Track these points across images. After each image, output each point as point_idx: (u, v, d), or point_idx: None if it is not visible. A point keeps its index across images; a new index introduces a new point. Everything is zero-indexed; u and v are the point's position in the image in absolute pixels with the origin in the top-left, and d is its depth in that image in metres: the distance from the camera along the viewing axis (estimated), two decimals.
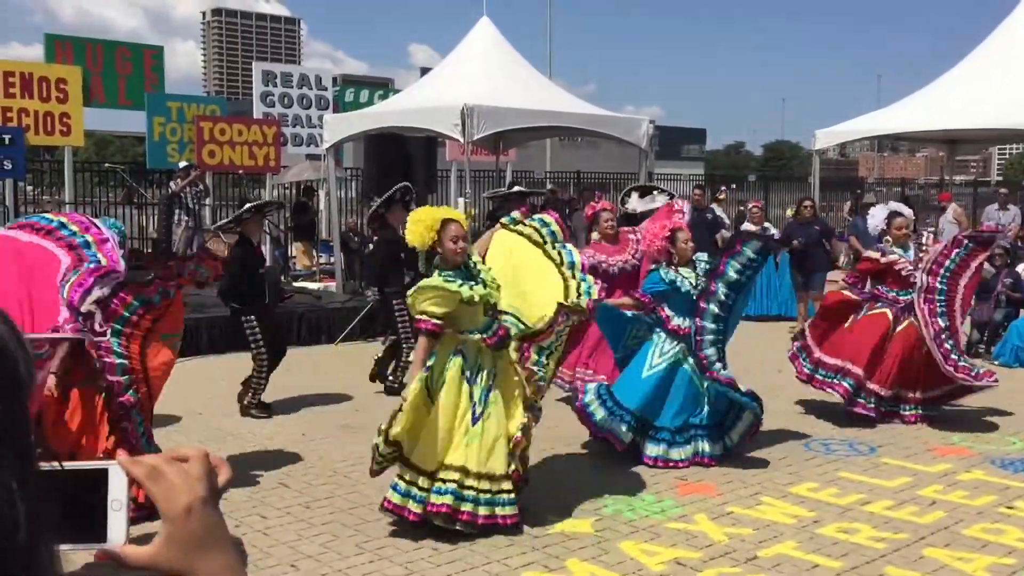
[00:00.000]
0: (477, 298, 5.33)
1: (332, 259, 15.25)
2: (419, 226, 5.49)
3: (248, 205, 8.40)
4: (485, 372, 5.41)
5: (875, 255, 8.33)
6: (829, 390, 7.96)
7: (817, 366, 8.02)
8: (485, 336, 5.38)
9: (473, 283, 5.38)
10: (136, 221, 17.25)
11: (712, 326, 6.71)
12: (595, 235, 8.51)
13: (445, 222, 5.48)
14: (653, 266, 7.18)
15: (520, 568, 4.89)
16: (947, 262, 7.96)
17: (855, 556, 5.08)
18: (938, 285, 7.89)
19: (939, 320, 7.80)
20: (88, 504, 0.91)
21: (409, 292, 5.52)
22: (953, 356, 7.77)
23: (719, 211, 16.05)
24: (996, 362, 10.59)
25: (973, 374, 7.79)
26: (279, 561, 4.98)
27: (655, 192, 10.72)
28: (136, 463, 0.94)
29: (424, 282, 5.40)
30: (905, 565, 4.97)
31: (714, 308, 6.69)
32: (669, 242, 6.93)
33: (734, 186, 19.72)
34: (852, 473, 6.59)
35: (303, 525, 5.50)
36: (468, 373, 5.37)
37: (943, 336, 7.77)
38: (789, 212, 14.89)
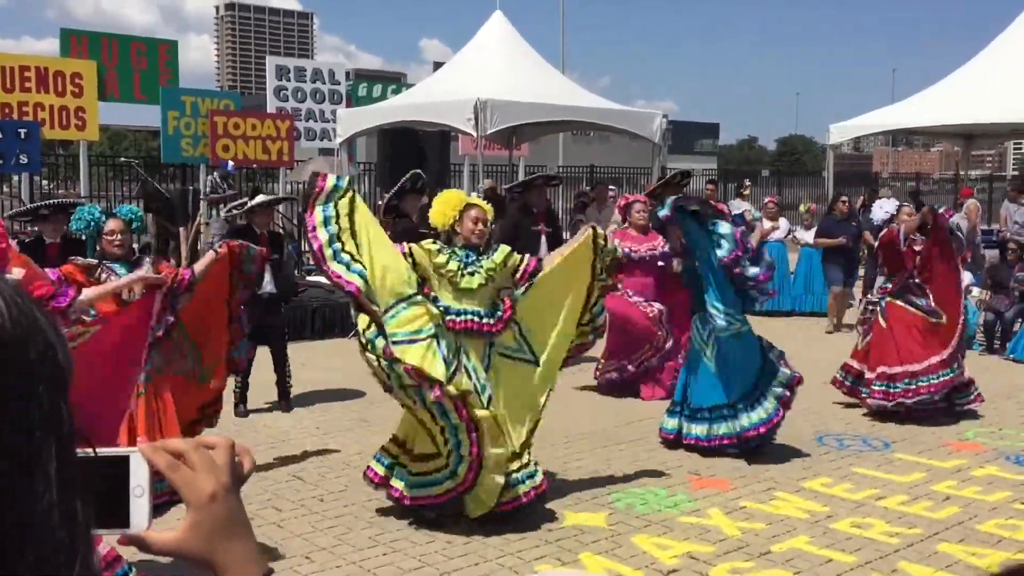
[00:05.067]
0: (451, 270, 5.36)
1: None
2: (444, 205, 5.60)
3: (261, 199, 8.40)
4: (474, 360, 5.33)
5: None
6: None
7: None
8: (452, 317, 5.30)
9: (464, 263, 5.42)
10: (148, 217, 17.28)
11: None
12: (624, 224, 8.69)
13: (469, 205, 5.59)
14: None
15: (533, 561, 4.90)
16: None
17: (869, 551, 5.08)
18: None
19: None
20: (111, 489, 0.92)
21: None
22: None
23: (746, 205, 16.02)
24: (1011, 357, 10.56)
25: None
26: (293, 553, 5.01)
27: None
28: (157, 452, 0.95)
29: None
30: (919, 560, 4.96)
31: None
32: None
33: (748, 181, 19.61)
34: (866, 468, 6.58)
35: (317, 518, 5.52)
36: (446, 353, 5.26)
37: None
38: (802, 208, 14.83)
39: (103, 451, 0.93)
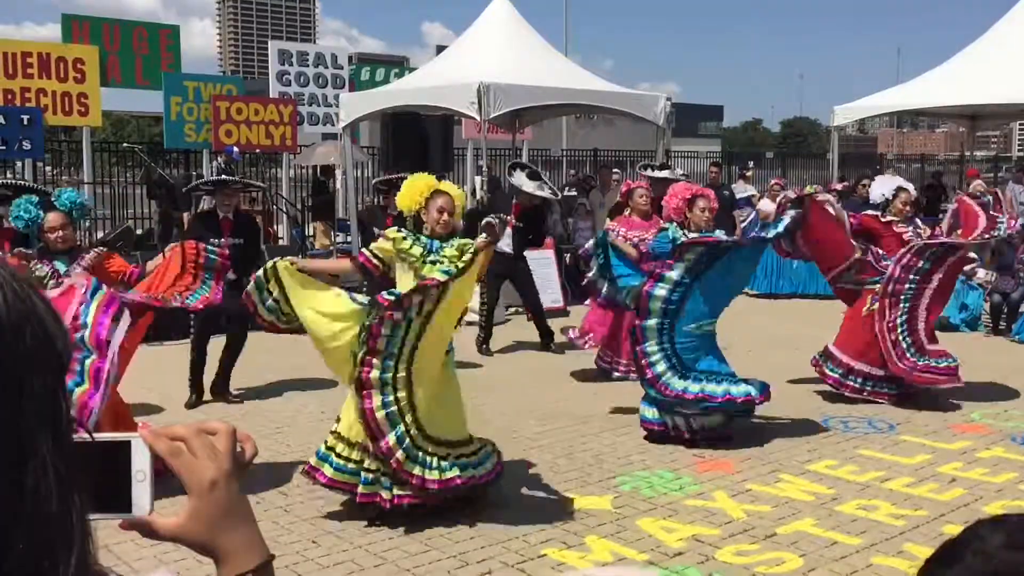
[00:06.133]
0: (414, 256, 5.27)
1: (349, 238, 15.26)
2: (411, 190, 5.50)
3: (210, 179, 8.00)
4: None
5: (877, 213, 8.29)
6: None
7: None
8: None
9: (427, 250, 5.30)
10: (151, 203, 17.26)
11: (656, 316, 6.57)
12: (627, 211, 8.66)
13: (437, 192, 5.46)
14: (664, 224, 7.06)
15: (539, 544, 4.91)
16: (921, 262, 7.74)
17: (874, 533, 5.08)
18: (909, 277, 7.72)
19: (896, 316, 7.67)
20: (113, 474, 0.92)
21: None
22: (909, 355, 7.60)
23: (747, 187, 16.01)
24: (1016, 338, 10.55)
25: (930, 374, 7.62)
26: (299, 537, 5.02)
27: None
28: (159, 438, 0.95)
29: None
30: (925, 542, 4.96)
31: (660, 292, 6.56)
32: (687, 204, 6.91)
33: (752, 163, 19.56)
34: (871, 450, 6.58)
35: (323, 502, 5.52)
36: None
37: (897, 332, 7.64)
38: (809, 189, 14.74)
39: (105, 436, 0.93)
